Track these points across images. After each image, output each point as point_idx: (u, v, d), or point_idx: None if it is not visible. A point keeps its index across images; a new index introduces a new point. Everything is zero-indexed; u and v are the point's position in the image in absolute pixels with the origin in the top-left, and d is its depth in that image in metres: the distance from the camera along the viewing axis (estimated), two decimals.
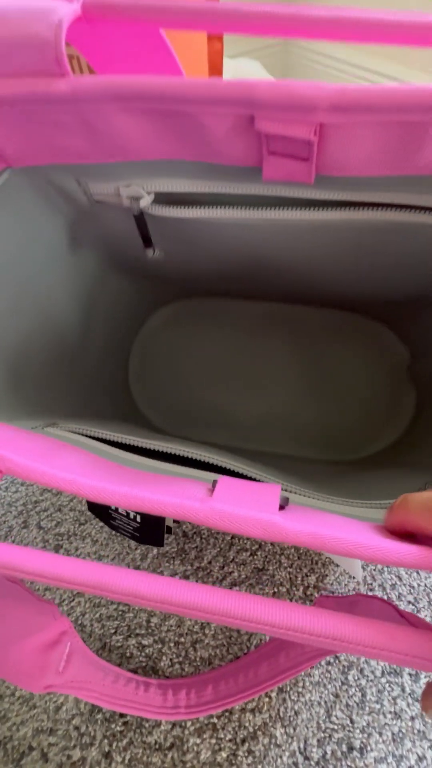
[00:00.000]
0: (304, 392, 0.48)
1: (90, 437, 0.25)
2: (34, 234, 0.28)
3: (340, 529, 0.16)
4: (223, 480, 0.18)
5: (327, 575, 0.44)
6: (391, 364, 0.46)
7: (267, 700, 0.38)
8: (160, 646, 0.41)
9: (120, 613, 0.43)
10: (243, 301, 0.49)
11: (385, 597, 0.42)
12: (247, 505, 0.16)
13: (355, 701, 0.38)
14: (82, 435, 0.25)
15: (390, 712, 0.38)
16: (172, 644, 0.42)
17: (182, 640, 0.42)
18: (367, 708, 0.38)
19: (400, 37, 0.17)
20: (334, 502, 0.23)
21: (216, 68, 0.77)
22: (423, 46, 0.17)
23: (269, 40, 1.14)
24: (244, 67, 0.95)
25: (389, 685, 0.39)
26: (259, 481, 0.24)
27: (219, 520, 0.16)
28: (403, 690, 0.38)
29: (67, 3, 0.18)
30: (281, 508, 0.18)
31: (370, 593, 0.42)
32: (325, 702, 0.38)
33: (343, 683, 0.39)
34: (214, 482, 0.19)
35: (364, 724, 0.37)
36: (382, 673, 0.39)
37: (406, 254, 0.29)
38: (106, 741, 0.36)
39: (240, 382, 0.49)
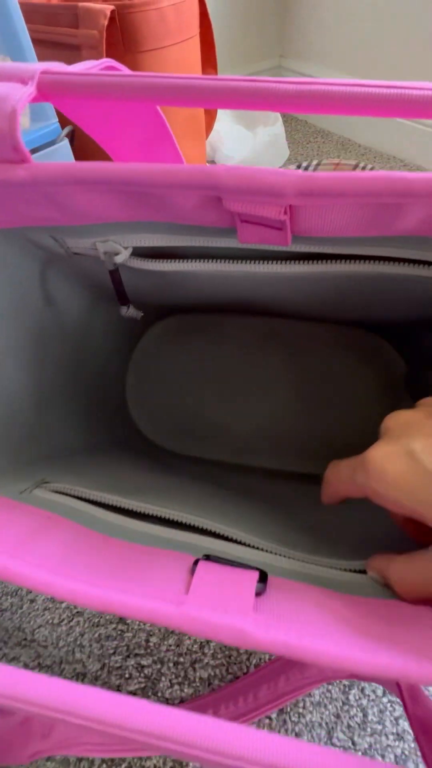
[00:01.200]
0: (301, 406, 0.48)
1: (75, 497, 0.25)
2: (15, 281, 0.27)
3: (317, 628, 0.16)
4: (202, 567, 0.18)
5: None
6: (389, 377, 0.46)
7: (267, 721, 0.39)
8: (159, 666, 0.42)
9: (119, 632, 0.44)
10: (239, 316, 0.48)
11: None
12: (223, 602, 0.16)
13: (356, 722, 0.38)
14: (69, 496, 0.25)
15: (392, 734, 0.38)
16: (171, 664, 0.42)
17: (182, 660, 0.42)
18: (369, 729, 0.38)
19: (397, 109, 0.16)
20: (319, 564, 0.23)
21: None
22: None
23: (264, 65, 1.18)
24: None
25: (391, 705, 0.39)
26: (244, 544, 0.24)
27: (193, 628, 0.16)
28: (387, 690, 0.39)
29: (21, 85, 0.17)
30: (258, 594, 0.18)
31: None
32: (326, 723, 0.38)
33: (344, 703, 0.39)
34: (195, 563, 0.19)
35: (366, 746, 0.37)
36: (384, 692, 0.40)
37: (392, 298, 0.28)
38: (104, 765, 0.37)
39: (237, 397, 0.49)
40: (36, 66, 0.17)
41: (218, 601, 0.16)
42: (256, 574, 0.18)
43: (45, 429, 0.34)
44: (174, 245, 0.24)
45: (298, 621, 0.16)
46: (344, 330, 0.47)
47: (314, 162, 0.58)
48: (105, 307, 0.40)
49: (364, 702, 0.39)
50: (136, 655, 0.43)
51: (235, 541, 0.24)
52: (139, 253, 0.26)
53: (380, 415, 0.44)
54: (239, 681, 0.38)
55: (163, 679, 0.42)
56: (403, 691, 0.29)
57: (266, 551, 0.23)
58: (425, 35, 0.86)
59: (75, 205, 0.19)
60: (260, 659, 0.42)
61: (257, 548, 0.24)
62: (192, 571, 0.18)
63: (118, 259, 0.25)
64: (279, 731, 0.39)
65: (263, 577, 0.18)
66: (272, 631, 0.15)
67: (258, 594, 0.18)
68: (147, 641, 0.44)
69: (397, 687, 0.30)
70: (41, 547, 0.19)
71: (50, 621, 0.46)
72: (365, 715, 0.39)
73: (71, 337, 0.37)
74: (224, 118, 0.94)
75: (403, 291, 0.27)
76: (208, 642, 0.43)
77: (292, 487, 0.42)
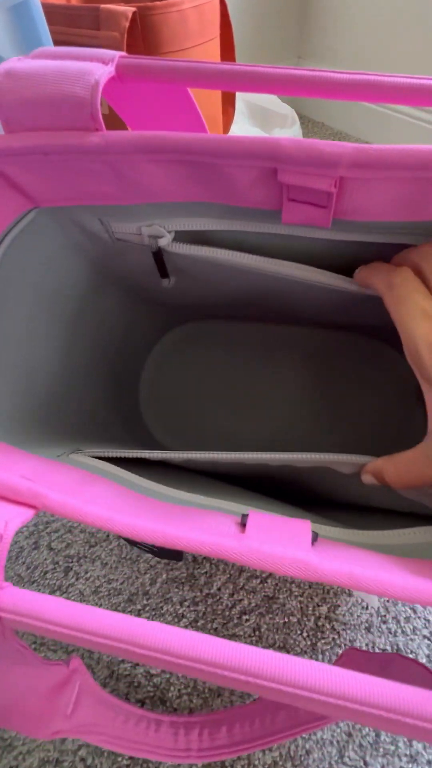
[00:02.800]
0: (312, 413, 0.48)
1: (114, 461, 0.26)
2: (57, 269, 0.28)
3: (374, 568, 0.16)
4: (254, 515, 0.19)
5: (339, 605, 0.43)
6: (401, 385, 0.47)
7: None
8: (168, 675, 0.41)
9: None
10: (252, 324, 0.50)
11: (399, 630, 0.42)
12: (281, 541, 0.17)
13: (368, 741, 0.37)
14: (106, 460, 0.26)
15: (405, 755, 0.36)
16: (180, 673, 0.41)
17: None
18: (381, 749, 0.37)
19: (416, 98, 0.18)
20: (355, 533, 0.23)
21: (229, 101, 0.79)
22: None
23: (281, 58, 1.17)
24: (258, 97, 0.96)
25: None
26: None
27: (256, 559, 0.16)
28: None
29: (102, 65, 0.19)
30: (312, 542, 0.18)
31: (383, 626, 0.42)
32: (338, 741, 0.37)
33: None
34: (244, 516, 0.19)
35: (379, 767, 0.36)
36: None
37: None
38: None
39: (249, 404, 0.49)
40: (115, 51, 0.19)
41: (277, 540, 0.17)
42: (308, 522, 0.18)
43: (72, 412, 0.35)
44: (216, 229, 0.26)
45: (359, 561, 0.17)
46: (358, 338, 0.48)
47: None
48: (135, 309, 0.41)
49: None
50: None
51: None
52: (180, 239, 0.27)
53: (393, 426, 0.45)
54: (257, 702, 0.37)
55: (171, 688, 0.41)
56: None
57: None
58: None
59: (137, 178, 0.21)
60: None
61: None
62: (243, 522, 0.18)
63: (162, 242, 0.26)
64: (289, 748, 0.38)
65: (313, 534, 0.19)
66: (336, 563, 0.16)
67: (312, 542, 0.18)
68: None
69: None
70: (92, 492, 0.19)
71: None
72: (378, 735, 0.37)
73: (97, 333, 0.38)
74: (241, 119, 0.94)
75: None
76: None
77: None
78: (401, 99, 0.18)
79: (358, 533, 0.22)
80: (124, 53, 0.19)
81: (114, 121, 0.27)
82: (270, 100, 0.95)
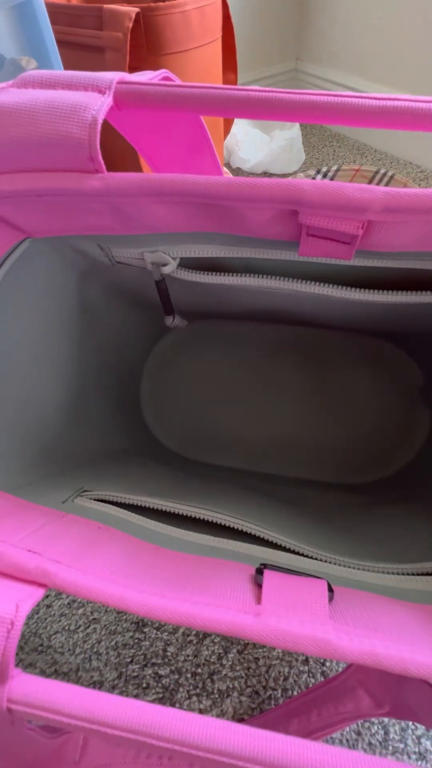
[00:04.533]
0: (316, 414, 0.48)
1: (120, 505, 0.25)
2: (57, 292, 0.27)
3: (396, 636, 0.16)
4: (269, 576, 0.18)
5: None
6: (405, 385, 0.46)
7: None
8: (176, 676, 0.42)
9: (136, 641, 0.44)
10: (255, 324, 0.48)
11: None
12: (299, 613, 0.16)
13: (377, 740, 0.38)
14: (113, 504, 0.25)
15: (414, 752, 0.37)
16: (189, 675, 0.42)
17: (199, 671, 0.42)
18: (390, 747, 0.38)
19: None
20: (366, 569, 0.23)
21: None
22: None
23: (279, 68, 1.17)
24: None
25: (413, 723, 0.39)
26: (289, 551, 0.24)
27: (275, 639, 0.15)
28: (427, 728, 0.38)
29: (99, 95, 0.16)
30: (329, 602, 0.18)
31: None
32: (347, 740, 0.38)
33: (365, 720, 0.39)
34: (259, 571, 0.18)
35: None
36: None
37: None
38: None
39: (251, 405, 0.49)
40: (112, 75, 0.17)
41: (294, 611, 0.16)
42: (324, 582, 0.18)
43: (72, 436, 0.34)
44: (224, 256, 0.24)
45: (374, 629, 0.16)
46: (361, 338, 0.47)
47: (333, 168, 0.58)
48: (136, 315, 0.39)
49: (386, 719, 0.39)
50: (154, 664, 0.43)
51: (283, 548, 0.24)
52: (185, 264, 0.25)
53: (396, 426, 0.44)
54: (268, 713, 0.37)
55: (180, 689, 0.41)
56: None
57: (313, 558, 0.23)
58: None
59: (140, 216, 0.19)
60: (279, 672, 0.41)
61: (304, 555, 0.24)
62: (257, 581, 0.18)
63: (166, 270, 0.24)
64: None
65: (330, 586, 0.18)
66: (356, 640, 0.15)
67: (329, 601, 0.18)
68: (164, 650, 0.43)
69: None
70: (100, 558, 0.18)
71: (67, 627, 0.45)
72: (387, 733, 0.38)
73: (100, 343, 0.37)
74: (241, 121, 0.94)
75: None
76: (226, 653, 0.43)
77: (316, 494, 0.42)
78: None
79: (358, 572, 0.21)
80: (122, 77, 0.17)
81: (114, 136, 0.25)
82: None
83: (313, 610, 0.16)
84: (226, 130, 0.75)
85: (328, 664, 0.41)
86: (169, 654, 0.43)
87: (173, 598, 0.16)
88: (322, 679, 0.41)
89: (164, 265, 0.24)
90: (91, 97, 0.16)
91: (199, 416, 0.49)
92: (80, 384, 0.35)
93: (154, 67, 0.53)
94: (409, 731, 0.38)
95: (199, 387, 0.50)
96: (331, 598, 0.18)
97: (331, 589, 0.18)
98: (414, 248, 0.20)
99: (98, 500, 0.25)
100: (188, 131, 0.22)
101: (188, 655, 0.43)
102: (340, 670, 0.41)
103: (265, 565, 0.20)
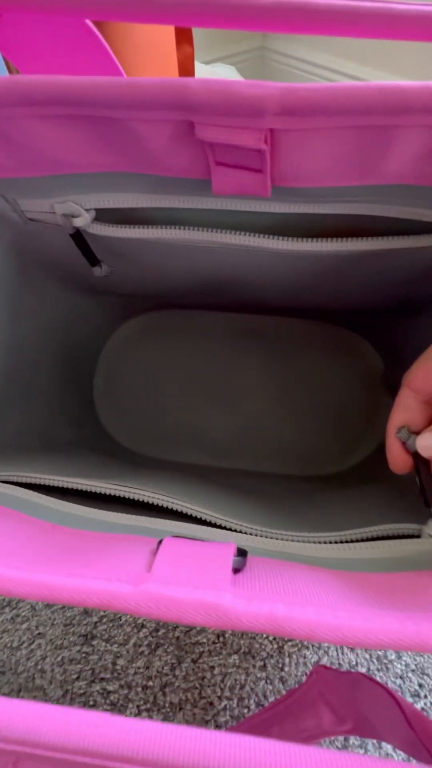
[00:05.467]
0: (279, 406, 0.46)
1: (35, 486, 0.23)
2: None
3: (306, 598, 0.14)
4: (168, 543, 0.16)
5: None
6: (367, 374, 0.45)
7: None
8: (126, 691, 0.38)
9: (84, 655, 0.40)
10: (215, 313, 0.47)
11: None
12: (194, 577, 0.14)
13: (335, 747, 0.35)
14: (26, 486, 0.22)
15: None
16: (139, 689, 0.38)
17: (151, 683, 0.39)
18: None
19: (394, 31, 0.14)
20: (302, 541, 0.21)
21: (188, 74, 0.73)
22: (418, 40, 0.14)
23: (245, 46, 1.11)
24: (219, 73, 0.92)
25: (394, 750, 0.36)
26: (219, 526, 0.22)
27: (155, 607, 0.13)
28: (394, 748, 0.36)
29: None
30: (237, 571, 0.15)
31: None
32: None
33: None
34: (160, 542, 0.16)
35: None
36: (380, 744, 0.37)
37: (376, 272, 0.27)
38: None
39: (213, 398, 0.46)
40: None
41: (188, 577, 0.14)
42: (232, 547, 0.15)
43: (13, 417, 0.31)
44: (142, 206, 0.22)
45: (285, 593, 0.14)
46: (323, 326, 0.46)
47: None
48: (70, 295, 0.37)
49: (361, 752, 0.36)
50: (102, 679, 0.39)
51: (211, 524, 0.21)
52: (104, 218, 0.23)
53: (360, 414, 0.42)
54: (235, 728, 0.34)
55: (130, 705, 0.38)
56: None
57: (247, 533, 0.21)
58: None
59: (28, 142, 0.17)
60: (235, 681, 0.38)
61: (236, 530, 0.21)
62: (156, 551, 0.15)
63: (78, 222, 0.22)
64: None
65: (242, 553, 0.16)
66: (255, 603, 0.13)
67: (237, 570, 0.15)
68: (114, 663, 0.40)
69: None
70: None
71: (9, 644, 0.42)
72: (346, 739, 0.36)
73: (39, 325, 0.34)
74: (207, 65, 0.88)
75: (390, 268, 0.26)
76: (179, 663, 0.39)
77: (275, 484, 0.40)
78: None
79: (294, 544, 0.19)
80: None
81: None
82: (229, 77, 0.91)
83: (212, 576, 0.14)
84: (183, 69, 0.69)
85: (286, 669, 0.38)
86: (118, 667, 0.40)
87: (47, 572, 0.14)
88: (280, 685, 0.38)
89: (76, 216, 0.22)
90: None
91: (157, 412, 0.47)
92: (18, 370, 0.33)
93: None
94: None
95: (157, 380, 0.47)
96: (241, 565, 0.15)
97: (242, 554, 0.16)
98: (334, 180, 0.18)
99: (3, 482, 0.22)
100: (84, 53, 0.20)
101: (139, 668, 0.40)
102: (299, 673, 0.38)
103: (177, 537, 0.18)
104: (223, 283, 0.33)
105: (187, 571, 0.14)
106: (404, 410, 0.22)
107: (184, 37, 0.63)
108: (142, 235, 0.23)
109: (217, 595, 0.13)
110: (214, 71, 0.94)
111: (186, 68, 0.74)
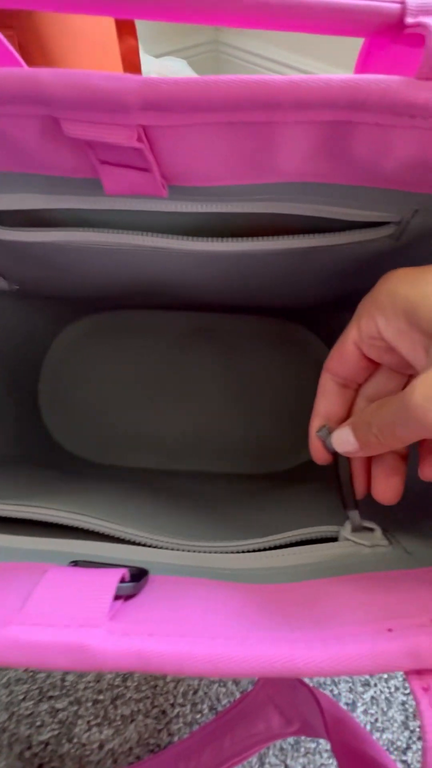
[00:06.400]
0: (230, 404, 0.45)
1: None
2: None
3: (190, 625, 0.13)
4: (53, 574, 0.15)
5: None
6: (317, 369, 0.44)
7: None
8: (76, 707, 0.37)
9: (30, 674, 0.39)
10: (164, 312, 0.45)
11: None
12: (69, 613, 0.13)
13: (289, 743, 0.35)
14: None
15: (326, 751, 0.35)
16: (89, 704, 0.37)
17: (101, 697, 0.38)
18: (302, 749, 0.35)
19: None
20: (223, 551, 0.20)
21: (133, 67, 0.71)
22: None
23: (197, 39, 1.07)
24: (170, 67, 0.90)
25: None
26: (137, 543, 0.21)
27: (12, 655, 0.12)
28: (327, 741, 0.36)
29: None
30: (129, 597, 0.15)
31: None
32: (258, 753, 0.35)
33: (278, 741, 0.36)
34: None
35: (300, 767, 0.34)
36: None
37: (303, 270, 0.26)
38: None
39: (163, 399, 0.45)
40: None
41: (62, 614, 0.12)
42: (119, 574, 0.14)
43: None
44: (38, 207, 0.21)
45: (168, 621, 0.13)
46: (275, 323, 0.45)
47: None
48: (2, 302, 0.36)
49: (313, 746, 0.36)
50: (50, 697, 0.38)
51: (122, 541, 0.20)
52: (7, 222, 0.22)
53: (308, 407, 0.42)
54: (177, 745, 0.34)
55: (79, 722, 0.37)
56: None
57: (162, 548, 0.20)
58: None
59: None
60: (188, 686, 0.38)
61: (155, 546, 0.20)
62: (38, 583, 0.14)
63: None
64: None
65: (139, 576, 0.15)
66: (125, 640, 0.12)
67: (128, 597, 0.14)
68: (62, 680, 0.39)
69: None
70: None
71: None
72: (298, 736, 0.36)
73: None
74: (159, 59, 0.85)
75: (316, 266, 0.25)
76: (131, 674, 0.38)
77: (223, 487, 0.39)
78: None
79: (206, 556, 0.18)
80: None
81: None
82: (180, 71, 0.89)
83: (88, 610, 0.13)
84: (128, 62, 0.66)
85: None
86: (67, 683, 0.38)
87: None
88: (233, 687, 0.37)
89: None
90: None
91: (106, 416, 0.46)
92: None
93: (30, 30, 0.46)
94: None
95: (105, 383, 0.46)
96: (132, 591, 0.15)
97: (138, 578, 0.15)
98: (229, 179, 0.17)
99: None
100: None
101: (89, 682, 0.38)
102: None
103: (76, 563, 0.17)
104: (154, 284, 0.31)
105: (64, 606, 0.13)
106: (324, 395, 0.23)
107: (125, 29, 0.61)
108: (45, 239, 0.22)
109: (86, 634, 0.12)
110: (164, 65, 0.92)
111: (131, 61, 0.71)
